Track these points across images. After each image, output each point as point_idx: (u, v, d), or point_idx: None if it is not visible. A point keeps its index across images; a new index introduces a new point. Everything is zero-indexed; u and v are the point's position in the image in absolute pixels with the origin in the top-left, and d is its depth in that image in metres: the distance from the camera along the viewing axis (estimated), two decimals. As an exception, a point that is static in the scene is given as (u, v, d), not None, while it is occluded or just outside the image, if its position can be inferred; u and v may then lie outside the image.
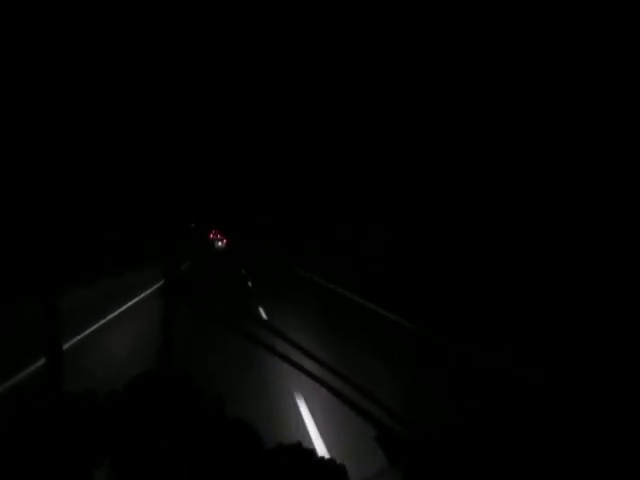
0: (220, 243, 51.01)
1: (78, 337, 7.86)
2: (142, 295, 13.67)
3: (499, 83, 13.15)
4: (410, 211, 20.08)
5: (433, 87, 16.27)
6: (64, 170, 16.38)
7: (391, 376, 6.55)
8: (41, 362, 6.21)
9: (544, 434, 4.54)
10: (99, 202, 21.54)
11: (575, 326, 8.99)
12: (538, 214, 12.43)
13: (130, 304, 12.04)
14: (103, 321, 9.52)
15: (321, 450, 4.18)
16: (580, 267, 10.63)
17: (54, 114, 14.16)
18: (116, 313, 10.57)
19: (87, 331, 8.41)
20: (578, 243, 10.99)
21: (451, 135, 16.22)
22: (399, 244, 20.74)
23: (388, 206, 22.25)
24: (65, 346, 6.80)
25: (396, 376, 6.61)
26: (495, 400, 5.74)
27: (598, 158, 10.64)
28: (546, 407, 5.50)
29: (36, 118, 13.54)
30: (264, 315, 10.92)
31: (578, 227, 11.08)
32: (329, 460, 1.09)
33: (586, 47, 10.39)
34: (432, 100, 16.63)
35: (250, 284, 18.99)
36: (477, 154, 14.94)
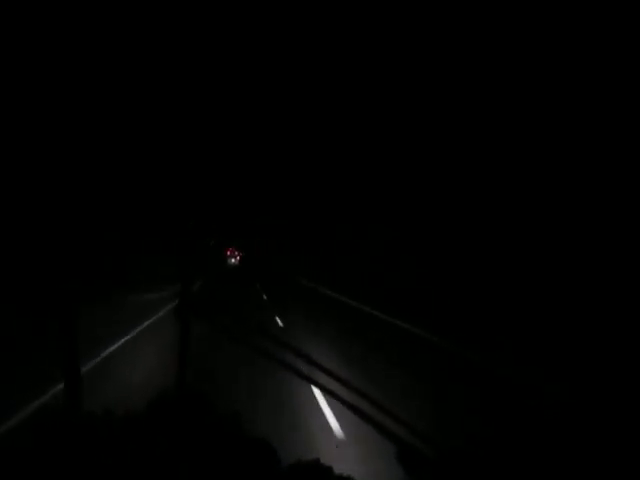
0: (234, 260, 51.27)
1: (96, 360, 7.91)
2: (159, 314, 13.74)
3: (498, 83, 13.15)
4: (410, 211, 20.07)
5: (432, 87, 16.32)
6: (80, 184, 16.64)
7: (404, 384, 6.48)
8: (61, 385, 6.26)
9: (564, 450, 4.45)
10: (113, 218, 21.82)
11: (581, 329, 8.86)
12: (540, 214, 12.35)
13: (146, 323, 12.10)
14: (121, 341, 9.58)
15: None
16: (582, 268, 10.52)
17: (69, 126, 14.40)
18: (133, 333, 10.63)
19: (105, 352, 8.46)
20: (580, 244, 10.88)
21: (451, 135, 16.24)
22: (399, 244, 20.93)
23: (388, 206, 22.34)
24: (83, 369, 6.88)
25: (412, 388, 6.54)
26: (517, 417, 5.64)
27: (598, 157, 10.57)
28: (565, 419, 5.39)
29: (49, 128, 13.78)
30: (280, 323, 12.04)
31: (579, 228, 11.00)
32: (347, 477, 1.08)
33: (586, 47, 10.39)
34: (431, 100, 16.67)
35: (265, 297, 19.88)
36: (477, 154, 14.92)
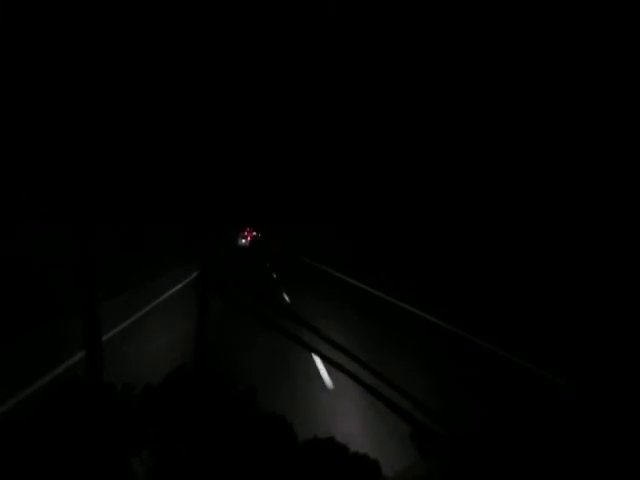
0: (244, 240, 50.81)
1: (115, 330, 8.09)
2: (176, 288, 13.95)
3: (498, 83, 12.95)
4: (410, 211, 20.11)
5: (432, 88, 16.13)
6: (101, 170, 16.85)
7: (416, 369, 6.51)
8: (81, 354, 6.44)
9: (572, 430, 4.46)
10: (138, 199, 22.12)
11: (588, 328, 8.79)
12: (543, 215, 12.27)
13: (163, 297, 12.30)
14: (140, 313, 9.77)
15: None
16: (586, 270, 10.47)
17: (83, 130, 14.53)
18: (151, 307, 10.83)
19: (124, 323, 8.64)
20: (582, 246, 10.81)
21: (450, 134, 16.10)
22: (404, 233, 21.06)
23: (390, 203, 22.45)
24: (104, 337, 7.07)
25: (425, 372, 6.56)
26: (525, 397, 5.64)
27: (598, 157, 10.40)
28: (570, 404, 5.39)
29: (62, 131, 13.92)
30: (287, 299, 12.63)
31: (581, 228, 10.92)
32: (362, 455, 1.09)
33: (586, 47, 10.14)
34: (431, 101, 16.51)
35: (275, 275, 20.21)
36: (476, 154, 14.79)
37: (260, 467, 1.05)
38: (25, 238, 12.05)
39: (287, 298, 12.77)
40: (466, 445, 1.07)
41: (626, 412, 5.02)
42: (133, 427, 1.08)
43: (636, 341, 7.69)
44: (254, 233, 79.23)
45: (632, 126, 9.65)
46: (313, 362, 6.45)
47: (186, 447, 1.05)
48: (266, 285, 15.83)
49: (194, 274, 17.64)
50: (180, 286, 14.64)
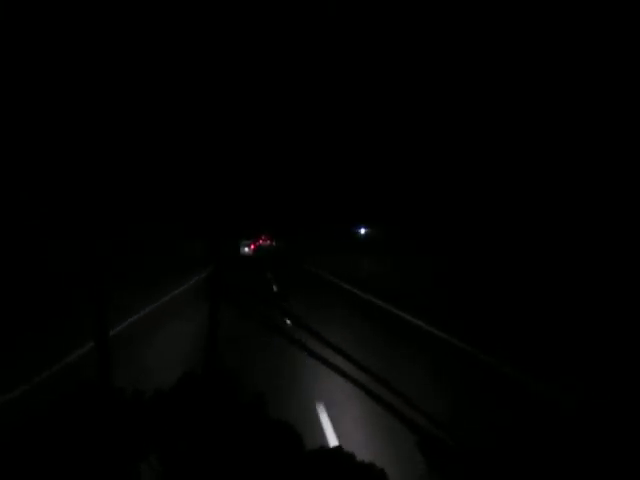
0: (247, 249, 49.15)
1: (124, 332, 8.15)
2: (186, 294, 14.03)
3: (497, 83, 12.94)
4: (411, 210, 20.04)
5: (431, 88, 16.14)
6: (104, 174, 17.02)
7: (422, 377, 6.47)
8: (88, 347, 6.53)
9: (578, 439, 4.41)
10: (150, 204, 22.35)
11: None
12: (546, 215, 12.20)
13: (173, 301, 12.37)
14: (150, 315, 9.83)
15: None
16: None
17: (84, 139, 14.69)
18: (161, 311, 10.89)
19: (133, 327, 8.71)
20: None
21: (449, 134, 16.06)
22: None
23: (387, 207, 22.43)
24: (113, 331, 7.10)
25: (432, 379, 6.52)
26: (531, 412, 5.59)
27: (597, 156, 10.33)
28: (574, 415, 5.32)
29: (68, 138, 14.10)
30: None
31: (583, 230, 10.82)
32: (369, 464, 1.09)
33: (586, 47, 10.10)
34: (430, 101, 16.51)
35: (275, 288, 18.69)
36: (476, 154, 14.74)
37: (267, 475, 1.05)
38: (25, 238, 12.22)
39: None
40: (476, 459, 1.07)
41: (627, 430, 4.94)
42: (142, 432, 1.09)
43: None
44: (268, 242, 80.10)
45: (632, 126, 9.58)
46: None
47: (194, 453, 1.06)
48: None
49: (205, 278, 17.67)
50: (190, 291, 14.71)
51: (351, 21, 15.16)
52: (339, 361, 1.21)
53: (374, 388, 1.16)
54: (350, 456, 1.10)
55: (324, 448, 1.12)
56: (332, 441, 4.47)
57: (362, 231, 34.51)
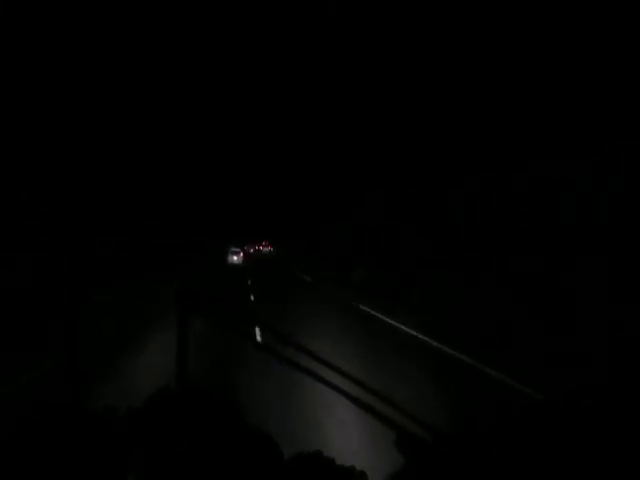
0: (236, 257, 47.41)
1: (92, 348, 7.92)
2: (155, 306, 13.72)
3: (497, 83, 13.17)
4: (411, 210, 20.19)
5: (432, 88, 16.32)
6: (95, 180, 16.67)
7: (400, 376, 6.53)
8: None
9: (564, 436, 4.50)
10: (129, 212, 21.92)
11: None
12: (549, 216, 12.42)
13: (144, 316, 12.10)
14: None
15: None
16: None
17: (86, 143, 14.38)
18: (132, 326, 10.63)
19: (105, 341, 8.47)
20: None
21: (449, 134, 16.27)
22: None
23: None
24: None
25: (407, 378, 6.59)
26: (511, 407, 5.70)
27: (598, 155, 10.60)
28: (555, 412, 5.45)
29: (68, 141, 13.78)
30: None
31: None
32: (349, 467, 1.09)
33: (586, 47, 10.37)
34: (429, 101, 16.70)
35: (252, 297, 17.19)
36: (476, 154, 14.97)
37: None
38: (25, 238, 11.91)
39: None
40: (449, 448, 1.08)
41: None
42: (118, 452, 1.06)
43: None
44: (269, 248, 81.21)
45: (632, 126, 9.78)
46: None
47: (172, 469, 1.04)
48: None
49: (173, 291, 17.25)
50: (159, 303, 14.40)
51: (351, 21, 15.21)
52: (315, 366, 1.20)
53: (351, 390, 1.16)
54: (330, 461, 1.10)
55: (303, 453, 1.11)
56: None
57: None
